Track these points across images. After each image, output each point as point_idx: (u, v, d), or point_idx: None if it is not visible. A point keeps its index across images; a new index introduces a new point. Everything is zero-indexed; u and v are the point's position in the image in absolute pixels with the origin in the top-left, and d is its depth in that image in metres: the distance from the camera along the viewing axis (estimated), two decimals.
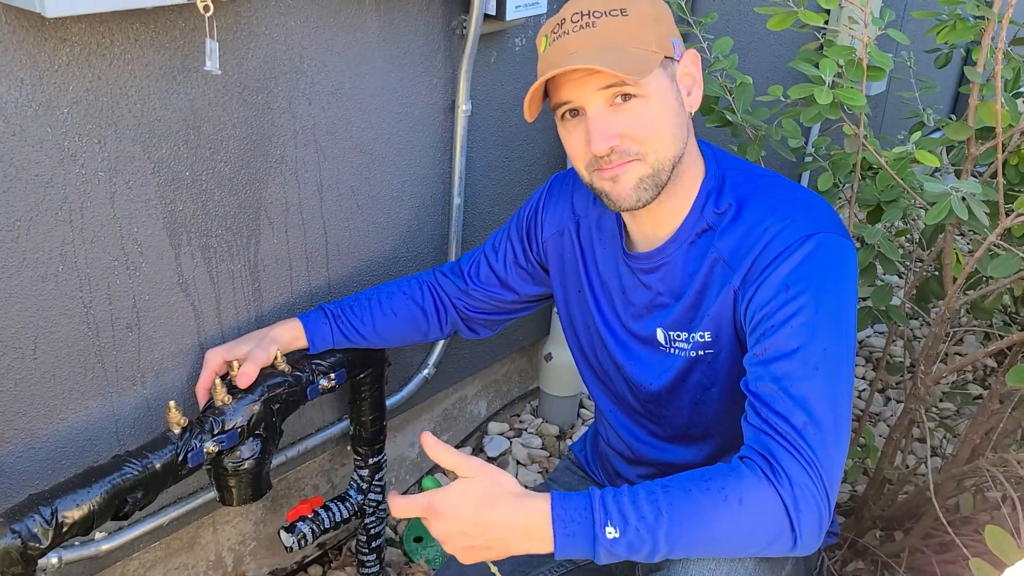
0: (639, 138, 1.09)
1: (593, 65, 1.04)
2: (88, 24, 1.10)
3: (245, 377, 1.29)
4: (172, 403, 1.23)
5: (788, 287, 1.07)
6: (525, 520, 1.00)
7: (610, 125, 1.08)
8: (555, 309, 1.64)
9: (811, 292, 1.06)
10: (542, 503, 1.00)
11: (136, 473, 1.17)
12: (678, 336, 1.22)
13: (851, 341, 1.09)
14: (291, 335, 1.38)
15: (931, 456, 1.99)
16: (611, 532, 0.98)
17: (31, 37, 1.06)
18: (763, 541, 1.01)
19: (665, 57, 1.11)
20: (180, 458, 1.21)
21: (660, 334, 1.24)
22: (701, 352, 1.20)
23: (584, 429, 2.23)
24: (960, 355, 2.57)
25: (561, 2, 1.76)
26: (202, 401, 1.32)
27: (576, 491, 1.03)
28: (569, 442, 2.24)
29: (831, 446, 1.02)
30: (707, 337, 1.19)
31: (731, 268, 1.14)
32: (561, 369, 2.18)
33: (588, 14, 1.08)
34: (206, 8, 1.08)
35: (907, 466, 1.93)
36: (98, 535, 1.36)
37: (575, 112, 1.12)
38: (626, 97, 1.08)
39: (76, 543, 1.33)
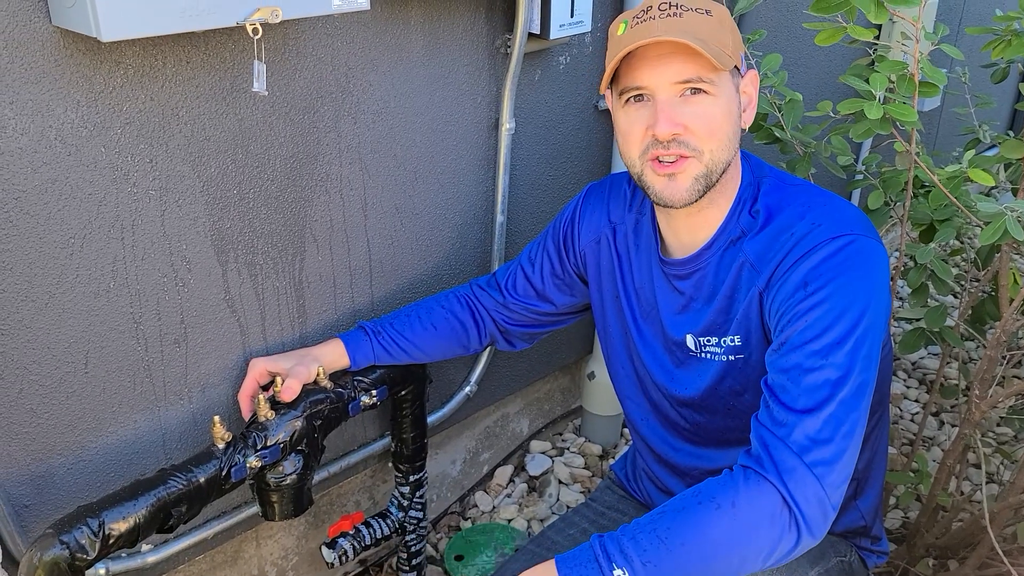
0: (701, 134, 1.11)
1: (684, 40, 1.05)
2: (142, 47, 1.13)
3: (289, 391, 1.30)
4: (216, 418, 1.24)
5: (806, 284, 1.08)
6: None
7: (678, 113, 1.10)
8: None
9: (828, 288, 1.07)
10: (547, 565, 1.05)
11: (181, 487, 1.19)
12: (708, 341, 1.23)
13: (870, 337, 1.07)
14: (334, 355, 1.40)
15: (987, 483, 1.93)
16: (620, 574, 1.01)
17: (87, 60, 1.09)
18: (769, 536, 1.00)
19: (735, 66, 1.14)
20: (224, 473, 1.23)
21: (690, 340, 1.25)
22: (732, 357, 1.21)
23: (626, 448, 2.20)
24: (1018, 378, 2.49)
25: (604, 21, 1.76)
26: (245, 408, 1.34)
27: (579, 545, 1.06)
28: (611, 461, 2.22)
29: (833, 431, 1.02)
30: (737, 341, 1.20)
31: (757, 271, 1.15)
32: (604, 388, 2.16)
33: (676, 6, 1.10)
34: (255, 31, 1.11)
35: (962, 493, 1.87)
36: (144, 547, 1.38)
37: (640, 97, 1.13)
38: (696, 91, 1.10)
39: (123, 555, 1.36)
